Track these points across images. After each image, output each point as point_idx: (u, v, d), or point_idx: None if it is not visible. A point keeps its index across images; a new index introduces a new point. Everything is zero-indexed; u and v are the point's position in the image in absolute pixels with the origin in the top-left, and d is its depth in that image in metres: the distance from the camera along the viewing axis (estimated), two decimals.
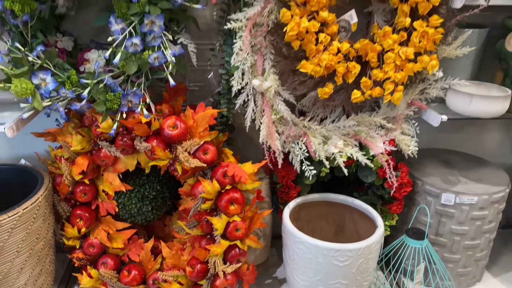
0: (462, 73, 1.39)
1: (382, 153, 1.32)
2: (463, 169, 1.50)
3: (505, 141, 1.75)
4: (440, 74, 1.31)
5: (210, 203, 1.23)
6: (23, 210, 1.15)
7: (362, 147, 1.36)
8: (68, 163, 1.27)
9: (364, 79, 1.24)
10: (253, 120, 1.31)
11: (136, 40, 1.12)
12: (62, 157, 1.28)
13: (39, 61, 1.11)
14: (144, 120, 1.19)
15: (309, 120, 1.37)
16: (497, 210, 1.42)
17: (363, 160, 1.31)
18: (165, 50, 1.15)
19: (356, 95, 1.25)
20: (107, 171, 1.31)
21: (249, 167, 1.25)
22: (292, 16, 1.16)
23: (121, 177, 1.33)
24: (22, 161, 1.41)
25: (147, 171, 1.30)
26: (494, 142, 1.74)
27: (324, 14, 1.17)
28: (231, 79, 1.26)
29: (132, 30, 1.12)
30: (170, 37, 1.17)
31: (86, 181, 1.29)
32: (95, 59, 1.21)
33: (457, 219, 1.40)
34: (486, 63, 1.46)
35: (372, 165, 1.34)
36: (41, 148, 1.44)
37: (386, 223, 1.44)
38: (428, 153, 1.61)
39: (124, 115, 1.20)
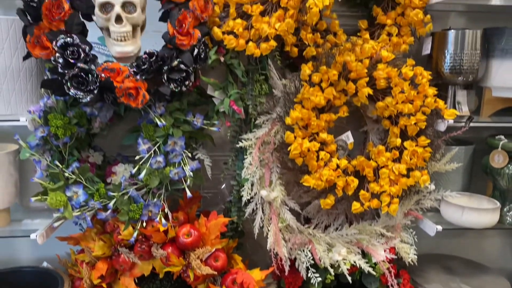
0: (454, 185, 1.51)
1: (383, 261, 1.40)
2: (464, 276, 1.55)
3: (505, 248, 1.81)
4: (432, 186, 1.43)
5: None
6: None
7: (364, 254, 1.43)
8: (89, 267, 1.36)
9: (362, 192, 1.37)
10: (261, 227, 1.41)
11: (160, 158, 1.28)
12: (83, 261, 1.37)
13: (74, 176, 1.26)
14: (162, 228, 1.30)
15: (313, 228, 1.47)
16: None
17: (366, 267, 1.38)
18: (185, 166, 1.30)
19: (356, 206, 1.37)
20: (124, 276, 1.39)
21: (257, 274, 1.32)
22: (295, 137, 1.32)
23: (136, 281, 1.40)
24: (44, 264, 1.50)
25: (161, 276, 1.38)
26: (494, 248, 1.80)
27: (323, 135, 1.34)
28: (241, 190, 1.39)
29: (156, 149, 1.29)
30: (189, 154, 1.33)
31: (104, 285, 1.37)
32: (121, 172, 1.36)
33: None
34: (476, 174, 1.58)
35: (374, 273, 1.40)
36: (62, 250, 1.54)
37: None
38: (429, 259, 1.67)
39: (144, 224, 1.31)
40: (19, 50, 1.28)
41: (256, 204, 1.41)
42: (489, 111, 1.49)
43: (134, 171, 1.28)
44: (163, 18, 1.29)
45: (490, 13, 1.54)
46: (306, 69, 1.32)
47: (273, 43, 1.24)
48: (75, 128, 1.27)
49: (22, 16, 1.14)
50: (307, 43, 1.35)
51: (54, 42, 1.14)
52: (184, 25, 1.21)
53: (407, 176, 1.36)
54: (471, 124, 1.41)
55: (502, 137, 1.44)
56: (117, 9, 1.17)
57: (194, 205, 1.45)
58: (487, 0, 1.35)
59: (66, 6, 1.15)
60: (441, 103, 1.34)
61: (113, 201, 1.27)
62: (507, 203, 1.48)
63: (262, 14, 1.26)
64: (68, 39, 1.15)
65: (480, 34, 1.38)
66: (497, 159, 1.44)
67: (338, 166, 1.36)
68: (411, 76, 1.33)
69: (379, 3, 1.44)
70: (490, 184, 1.56)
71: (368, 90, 1.31)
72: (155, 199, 1.31)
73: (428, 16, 1.39)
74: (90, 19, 1.24)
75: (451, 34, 1.38)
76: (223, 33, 1.28)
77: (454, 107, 1.45)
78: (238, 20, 1.26)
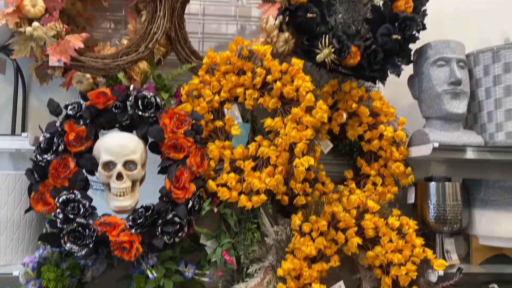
0: None
1: None
2: None
3: None
4: None
5: None
6: None
7: None
8: None
9: None
10: None
11: None
12: None
13: None
14: None
15: None
16: None
17: None
18: None
19: None
20: None
21: None
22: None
23: None
24: None
25: None
26: None
27: (316, 286, 1.33)
28: None
29: None
30: None
31: None
32: None
33: None
34: None
35: None
36: None
37: None
38: None
39: None
40: (22, 202, 1.35)
41: None
42: (479, 258, 1.51)
43: None
44: (161, 171, 1.38)
45: (469, 162, 1.65)
46: (296, 219, 1.37)
47: (263, 197, 1.31)
48: (67, 280, 1.27)
49: (30, 176, 1.22)
50: (296, 192, 1.43)
51: (56, 199, 1.21)
52: (180, 180, 1.29)
53: None
54: (464, 271, 1.41)
55: (495, 286, 1.43)
56: (119, 167, 1.26)
57: None
58: (462, 154, 1.47)
59: (72, 164, 1.25)
60: (429, 253, 1.37)
61: None
62: None
63: (254, 169, 1.36)
64: (70, 195, 1.22)
65: (460, 186, 1.47)
66: None
67: None
68: (398, 226, 1.37)
69: (363, 155, 1.56)
70: None
71: (357, 240, 1.34)
72: None
73: (409, 168, 1.49)
74: (93, 174, 1.33)
75: (432, 185, 1.47)
76: (217, 185, 1.36)
77: (443, 256, 1.47)
78: (232, 174, 1.35)
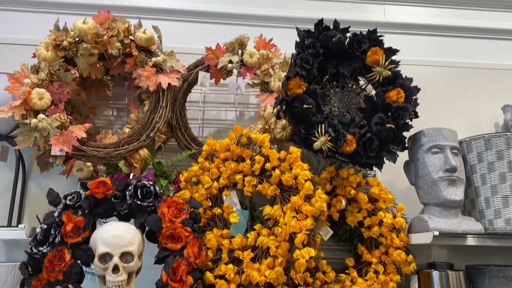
0: None
1: None
2: None
3: None
4: None
5: None
6: None
7: None
8: None
9: None
10: None
11: None
12: None
13: None
14: None
15: None
16: None
17: None
18: None
19: None
20: None
21: None
22: None
23: None
24: None
25: None
26: None
27: None
28: None
29: None
30: None
31: None
32: None
33: None
34: None
35: None
36: None
37: None
38: None
39: None
40: None
41: None
42: None
43: None
44: (158, 261, 1.35)
45: (470, 248, 1.63)
46: None
47: None
48: None
49: (23, 270, 1.19)
50: (297, 283, 1.39)
51: None
52: (178, 272, 1.26)
53: None
54: None
55: None
56: (115, 259, 1.23)
57: None
58: (463, 240, 1.45)
59: (68, 257, 1.22)
60: None
61: None
62: None
63: (253, 259, 1.33)
64: None
65: (463, 275, 1.43)
66: None
67: None
68: None
69: (363, 241, 1.54)
70: None
71: None
72: None
73: (411, 256, 1.47)
74: (88, 265, 1.30)
75: (435, 275, 1.43)
76: (215, 276, 1.33)
77: None
78: (230, 266, 1.32)
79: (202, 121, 1.79)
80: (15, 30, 1.81)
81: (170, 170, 1.55)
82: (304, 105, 1.43)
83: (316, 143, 1.43)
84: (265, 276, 1.27)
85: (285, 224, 1.30)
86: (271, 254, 1.30)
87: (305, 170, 1.35)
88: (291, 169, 1.38)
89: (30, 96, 1.37)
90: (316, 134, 1.43)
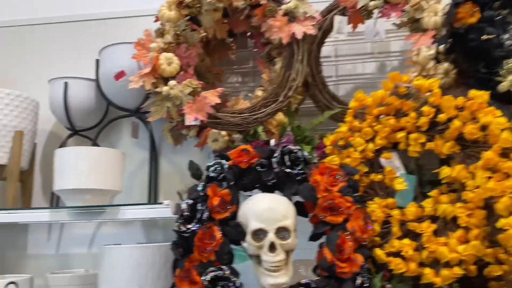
0: None
1: None
2: None
3: None
4: None
5: None
6: None
7: None
8: None
9: None
10: None
11: None
12: None
13: None
14: None
15: None
16: None
17: None
18: None
19: None
20: None
21: None
22: None
23: None
24: None
25: None
26: None
27: None
28: None
29: None
30: None
31: None
32: None
33: None
34: None
35: None
36: None
37: None
38: None
39: None
40: (161, 279, 1.20)
41: None
42: None
43: None
44: (313, 238, 1.16)
45: None
46: None
47: (458, 270, 1.00)
48: None
49: (175, 250, 1.08)
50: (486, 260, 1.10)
51: (203, 276, 1.04)
52: (344, 250, 1.05)
53: None
54: None
55: None
56: (271, 236, 1.06)
57: None
58: None
59: (218, 235, 1.08)
60: None
61: None
62: None
63: (434, 233, 1.07)
64: (219, 272, 1.04)
65: None
66: None
67: None
68: None
69: None
70: None
71: None
72: None
73: None
74: (238, 244, 1.15)
75: None
76: (387, 254, 1.09)
77: None
78: (406, 241, 1.08)
79: (337, 78, 1.55)
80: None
81: (311, 134, 1.35)
82: (483, 37, 1.12)
83: (503, 83, 1.11)
84: (459, 252, 1.00)
85: (477, 187, 1.02)
86: (462, 225, 1.03)
87: (499, 117, 1.04)
88: (473, 118, 1.09)
89: (158, 62, 1.25)
90: (503, 72, 1.11)
